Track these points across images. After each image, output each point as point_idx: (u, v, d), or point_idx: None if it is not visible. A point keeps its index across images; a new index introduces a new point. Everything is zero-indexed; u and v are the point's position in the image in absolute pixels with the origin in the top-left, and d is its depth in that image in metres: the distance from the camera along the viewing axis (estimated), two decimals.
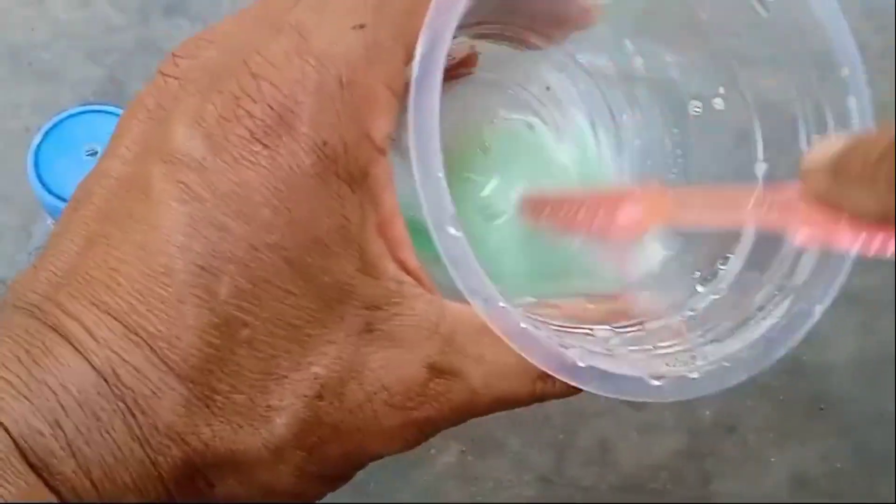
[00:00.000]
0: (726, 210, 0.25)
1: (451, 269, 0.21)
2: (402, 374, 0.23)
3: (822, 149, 0.22)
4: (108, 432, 0.20)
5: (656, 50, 0.31)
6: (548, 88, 0.32)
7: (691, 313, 0.26)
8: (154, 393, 0.20)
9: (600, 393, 0.22)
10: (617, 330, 0.26)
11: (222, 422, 0.21)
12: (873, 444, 0.50)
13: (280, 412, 0.22)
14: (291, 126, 0.21)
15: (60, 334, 0.20)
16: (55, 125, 0.41)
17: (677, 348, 0.24)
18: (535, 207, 0.30)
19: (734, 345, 0.24)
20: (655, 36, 0.31)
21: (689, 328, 0.26)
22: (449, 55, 0.29)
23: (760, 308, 0.25)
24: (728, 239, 0.27)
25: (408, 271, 0.23)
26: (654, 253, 0.28)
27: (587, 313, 0.27)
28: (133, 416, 0.20)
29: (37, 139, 0.40)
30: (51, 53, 0.52)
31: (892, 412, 0.50)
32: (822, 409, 0.50)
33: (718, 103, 0.30)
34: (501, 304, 0.22)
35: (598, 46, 0.31)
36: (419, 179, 0.21)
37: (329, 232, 0.21)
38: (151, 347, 0.20)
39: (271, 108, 0.21)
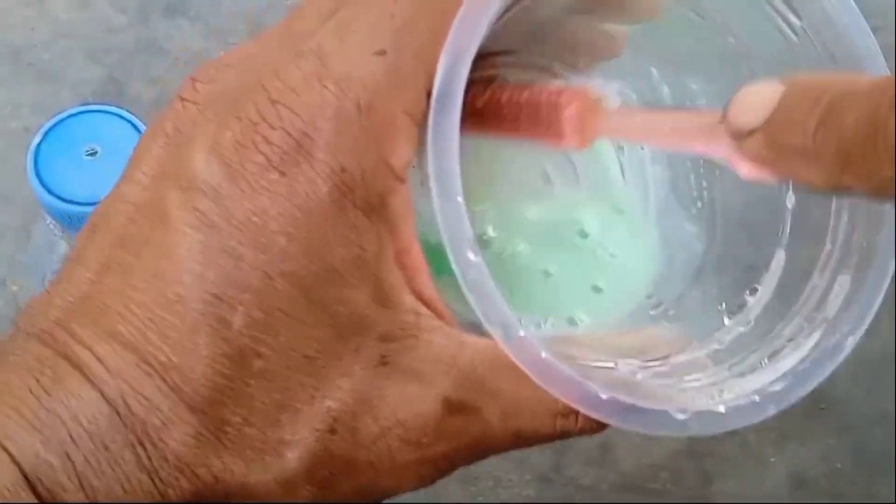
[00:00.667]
0: (663, 132, 0.24)
1: (468, 296, 0.21)
2: (418, 410, 0.22)
3: (751, 98, 0.20)
4: (117, 464, 0.20)
5: (683, 78, 0.30)
6: None
7: (718, 346, 0.25)
8: (165, 424, 0.20)
9: (624, 427, 0.22)
10: (641, 364, 0.25)
11: (233, 454, 0.21)
12: (873, 444, 0.50)
13: (292, 446, 0.21)
14: (309, 152, 0.21)
15: (72, 363, 0.20)
16: (55, 125, 0.41)
17: (704, 382, 0.24)
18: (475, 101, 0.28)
19: (763, 378, 0.23)
20: (682, 63, 0.30)
21: (716, 361, 0.25)
22: (474, 93, 0.29)
23: (790, 340, 0.24)
24: (755, 270, 0.27)
25: (425, 302, 0.23)
26: (609, 157, 0.27)
27: (610, 345, 0.27)
28: (143, 447, 0.20)
29: (36, 139, 0.40)
30: (51, 53, 0.52)
31: (892, 412, 0.50)
32: (822, 409, 0.50)
33: None
34: (521, 332, 0.21)
35: (624, 75, 0.31)
36: (437, 203, 0.21)
37: (344, 261, 0.21)
38: (163, 378, 0.20)
39: (289, 135, 0.21)
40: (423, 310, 0.22)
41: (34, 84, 0.52)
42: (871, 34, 0.26)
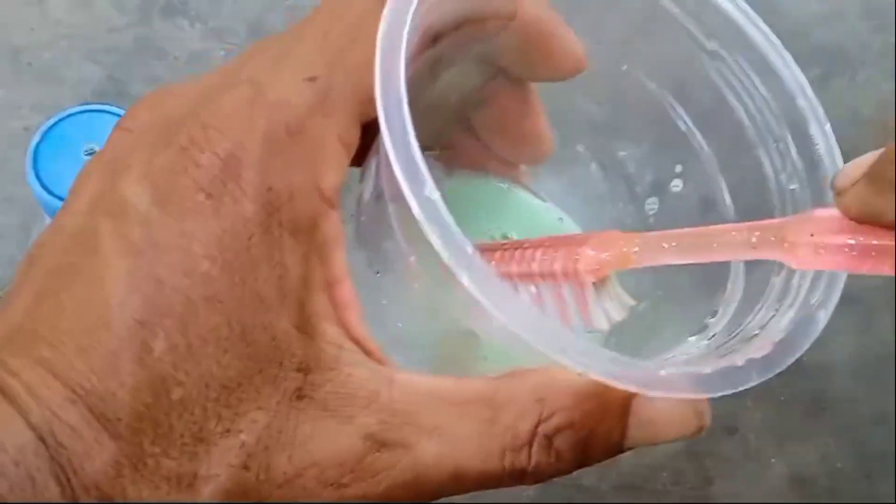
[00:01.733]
0: (696, 248, 0.24)
1: (426, 230, 0.20)
2: (335, 448, 0.21)
3: (852, 166, 0.21)
4: (41, 494, 0.19)
5: (609, 147, 0.30)
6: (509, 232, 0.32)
7: (686, 356, 0.25)
8: (87, 452, 0.20)
9: (695, 395, 0.21)
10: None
11: (150, 486, 0.20)
12: (873, 444, 0.50)
13: (207, 481, 0.20)
14: (237, 173, 0.21)
15: (2, 392, 0.20)
16: (54, 125, 0.41)
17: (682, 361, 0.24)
18: (484, 256, 0.28)
19: (742, 355, 0.23)
20: (605, 130, 0.30)
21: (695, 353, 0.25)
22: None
23: (762, 326, 0.24)
24: (713, 295, 0.26)
25: (354, 337, 0.22)
26: (621, 301, 0.27)
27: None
28: (66, 476, 0.20)
29: (36, 139, 0.40)
30: (50, 53, 0.52)
31: (892, 412, 0.50)
32: (822, 409, 0.50)
33: (676, 185, 0.29)
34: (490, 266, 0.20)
35: (554, 165, 0.31)
36: (391, 148, 0.20)
37: (266, 282, 0.21)
38: (88, 405, 0.20)
39: (217, 157, 0.21)
40: (348, 344, 0.22)
41: (34, 84, 0.52)
42: (791, 60, 0.26)
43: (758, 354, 0.22)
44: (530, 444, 0.22)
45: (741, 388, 0.22)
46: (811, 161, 0.25)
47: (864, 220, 0.21)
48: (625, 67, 0.28)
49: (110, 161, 0.22)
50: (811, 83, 0.26)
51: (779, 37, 0.26)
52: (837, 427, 0.50)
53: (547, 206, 0.32)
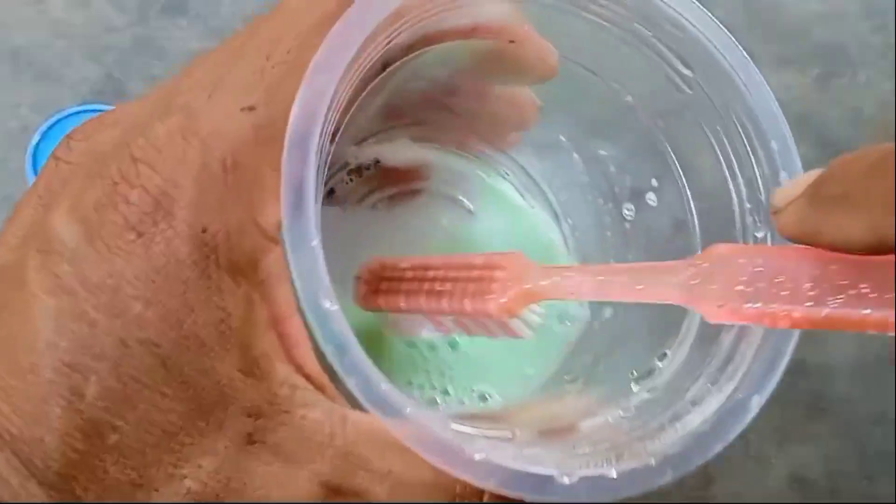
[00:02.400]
0: (601, 287, 0.23)
1: (323, 347, 0.19)
2: (290, 494, 0.20)
3: (790, 185, 0.20)
4: None
5: (591, 143, 0.30)
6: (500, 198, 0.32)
7: (623, 413, 0.25)
8: (14, 499, 0.19)
9: (503, 492, 0.20)
10: (541, 431, 0.24)
11: None
12: (873, 444, 0.50)
13: None
14: (169, 211, 0.20)
15: None
16: (54, 125, 0.41)
17: (601, 447, 0.23)
18: (370, 282, 0.27)
19: (663, 442, 0.22)
20: (588, 128, 0.30)
21: (619, 427, 0.24)
22: (393, 158, 0.28)
23: (694, 403, 0.23)
24: (667, 334, 0.26)
25: (307, 375, 0.21)
26: (539, 311, 0.26)
27: (514, 418, 0.25)
28: None
29: (35, 139, 0.40)
30: (49, 53, 0.52)
31: (892, 412, 0.50)
32: (822, 409, 0.50)
33: (651, 199, 0.29)
34: (384, 385, 0.19)
35: (538, 147, 0.31)
36: (289, 246, 0.19)
37: (206, 327, 0.20)
38: (13, 451, 0.19)
39: (148, 193, 0.20)
40: (301, 382, 0.21)
41: (33, 83, 0.52)
42: (764, 83, 0.25)
43: (674, 449, 0.21)
44: (481, 495, 0.21)
45: (651, 489, 0.21)
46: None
47: (801, 239, 0.20)
48: (598, 78, 0.28)
49: (45, 192, 0.22)
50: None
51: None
52: (837, 427, 0.50)
53: (527, 203, 0.32)
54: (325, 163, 0.22)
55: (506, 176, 0.32)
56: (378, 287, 0.26)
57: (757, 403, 0.23)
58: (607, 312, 0.30)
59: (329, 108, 0.20)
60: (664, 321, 0.26)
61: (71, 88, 0.52)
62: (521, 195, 0.32)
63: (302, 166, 0.20)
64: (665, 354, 0.26)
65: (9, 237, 0.21)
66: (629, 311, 0.29)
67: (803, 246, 0.20)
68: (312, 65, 0.20)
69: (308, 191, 0.19)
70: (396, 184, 0.31)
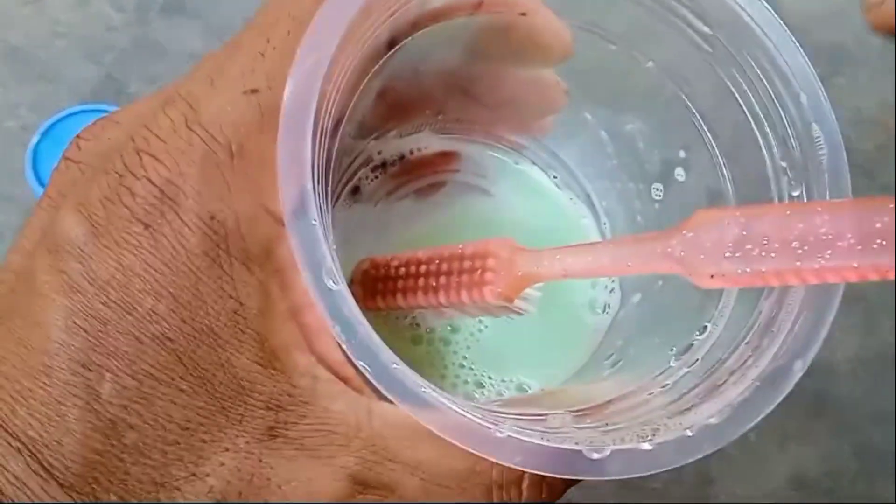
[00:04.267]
0: (592, 265, 0.23)
1: (330, 325, 0.18)
2: (316, 489, 0.20)
3: None
4: None
5: (617, 119, 0.29)
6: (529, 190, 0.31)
7: (661, 389, 0.24)
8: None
9: (530, 470, 0.19)
10: (574, 413, 0.23)
11: None
12: (873, 444, 0.50)
13: None
14: (175, 201, 0.19)
15: None
16: (53, 124, 0.41)
17: (634, 423, 0.22)
18: (365, 284, 0.26)
19: (700, 414, 0.21)
20: (612, 102, 0.29)
21: (654, 402, 0.23)
22: (418, 152, 0.27)
23: (732, 372, 0.22)
24: (707, 307, 0.25)
25: (329, 366, 0.20)
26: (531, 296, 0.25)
27: (549, 402, 0.25)
28: None
29: (35, 138, 0.40)
30: (49, 53, 0.52)
31: (892, 412, 0.50)
32: (822, 409, 0.50)
33: (679, 174, 0.28)
34: (395, 365, 0.18)
35: (565, 129, 0.30)
36: (289, 226, 0.18)
37: (219, 318, 0.19)
38: (32, 453, 0.19)
39: (153, 184, 0.19)
40: (323, 374, 0.20)
41: (32, 83, 0.51)
42: (785, 29, 0.24)
43: (713, 419, 0.20)
44: (520, 480, 0.21)
45: (690, 461, 0.20)
46: (816, 164, 0.23)
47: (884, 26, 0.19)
48: (616, 47, 0.27)
49: (55, 195, 0.21)
50: (772, 116, 0.25)
51: None
52: (837, 427, 0.50)
53: (560, 189, 0.31)
54: (331, 151, 0.21)
55: (536, 162, 0.31)
56: (374, 288, 0.26)
57: (800, 368, 0.21)
58: (637, 297, 0.29)
59: (326, 82, 0.19)
60: (702, 294, 0.24)
61: (70, 88, 0.51)
62: (553, 181, 0.31)
63: (298, 143, 0.19)
64: (705, 327, 0.25)
65: (23, 242, 0.21)
66: (662, 291, 0.28)
67: (786, 203, 0.21)
68: (305, 39, 0.20)
69: (305, 168, 0.19)
70: (423, 176, 0.30)
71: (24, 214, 0.49)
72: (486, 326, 0.28)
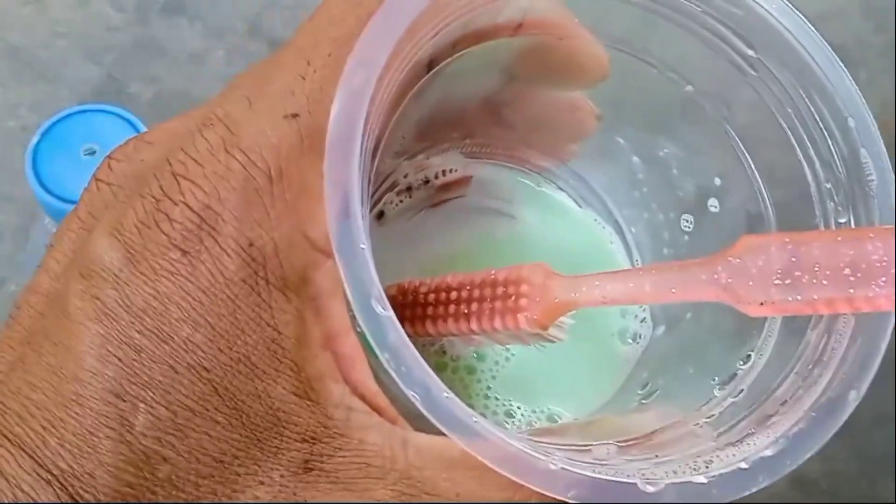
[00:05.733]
0: (631, 292, 0.22)
1: (378, 352, 0.18)
2: None
3: None
4: None
5: (650, 143, 0.28)
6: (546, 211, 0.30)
7: (707, 420, 0.23)
8: None
9: (582, 503, 0.19)
10: (619, 444, 0.22)
11: None
12: (873, 444, 0.50)
13: None
14: (213, 227, 0.19)
15: None
16: (53, 125, 0.40)
17: (685, 454, 0.21)
18: (394, 304, 0.25)
19: (754, 445, 0.21)
20: (646, 126, 0.28)
21: (702, 434, 0.22)
22: (443, 176, 0.26)
23: (783, 403, 0.22)
24: (748, 336, 0.24)
25: (363, 396, 0.20)
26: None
27: (588, 433, 0.24)
28: None
29: (35, 139, 0.40)
30: (49, 53, 0.52)
31: (892, 413, 0.50)
32: None
33: (713, 205, 0.27)
34: (446, 394, 0.18)
35: (594, 153, 0.29)
36: (337, 251, 0.18)
37: (257, 348, 0.19)
38: (63, 486, 0.18)
39: (191, 210, 0.19)
40: (358, 404, 0.20)
41: (32, 83, 0.51)
42: (833, 55, 0.23)
43: (768, 451, 0.20)
44: None
45: (745, 494, 0.20)
46: (864, 190, 0.23)
47: None
48: (655, 70, 0.26)
49: (86, 217, 0.21)
50: (816, 140, 0.24)
51: None
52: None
53: (587, 215, 0.30)
54: (370, 173, 0.21)
55: (562, 187, 0.30)
56: (402, 314, 0.25)
57: (854, 398, 0.21)
58: (667, 326, 0.28)
59: (371, 104, 0.19)
60: (743, 321, 0.23)
61: (70, 88, 0.51)
62: (578, 205, 0.30)
63: (346, 165, 0.18)
64: (748, 356, 0.24)
65: (52, 264, 0.21)
66: (698, 318, 0.27)
67: (833, 229, 0.20)
68: (351, 59, 0.19)
69: (353, 192, 0.18)
70: (440, 195, 0.29)
71: (24, 215, 0.49)
72: (514, 354, 0.27)
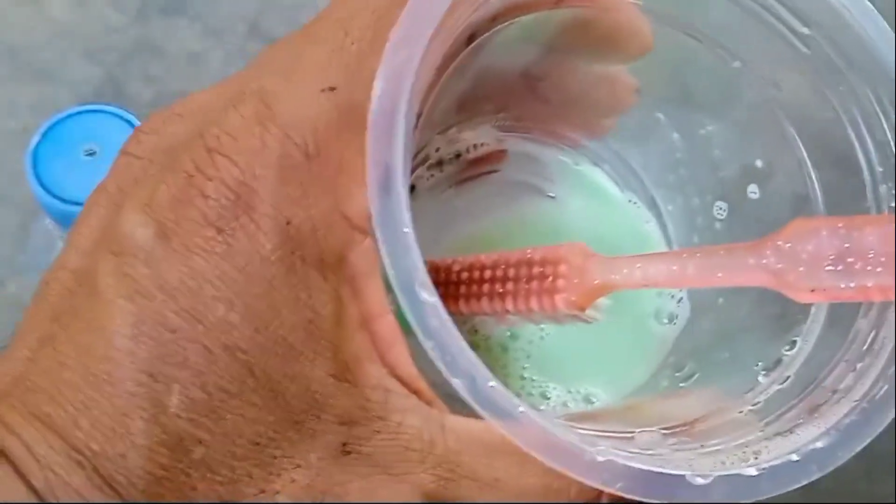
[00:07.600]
0: (674, 276, 0.21)
1: (424, 343, 0.17)
2: None
3: None
4: None
5: (691, 119, 0.27)
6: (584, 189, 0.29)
7: (752, 407, 0.22)
8: None
9: (631, 496, 0.18)
10: (663, 431, 0.22)
11: None
12: (873, 444, 0.50)
13: None
14: (249, 204, 0.18)
15: (0, 452, 0.18)
16: (53, 125, 0.40)
17: (732, 444, 0.21)
18: (450, 292, 0.25)
19: (803, 436, 0.20)
20: (687, 102, 0.27)
21: (749, 422, 0.22)
22: (474, 150, 0.26)
23: (834, 392, 0.21)
24: (793, 321, 0.23)
25: (400, 377, 0.19)
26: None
27: (628, 418, 0.24)
28: None
29: (35, 139, 0.40)
30: (49, 53, 0.52)
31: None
32: None
33: (753, 191, 0.26)
34: (492, 383, 0.18)
35: (633, 129, 0.28)
36: (379, 234, 0.17)
37: (294, 328, 0.18)
38: (95, 467, 0.18)
39: (226, 186, 0.18)
40: (396, 386, 0.19)
41: (32, 84, 0.51)
42: (890, 31, 0.22)
43: (819, 443, 0.20)
44: (597, 498, 0.20)
45: (796, 487, 0.19)
46: None
47: None
48: (701, 44, 0.25)
49: (114, 191, 0.20)
50: (872, 121, 0.23)
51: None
52: None
53: (623, 193, 0.30)
54: (411, 149, 0.20)
55: (597, 163, 0.30)
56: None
57: None
58: (705, 308, 0.28)
59: (414, 81, 0.18)
60: (787, 306, 0.22)
61: (70, 89, 0.51)
62: (615, 183, 0.30)
63: (388, 145, 0.18)
64: (794, 342, 0.23)
65: (80, 240, 0.20)
66: (737, 300, 0.26)
67: (885, 214, 0.19)
68: (394, 35, 0.18)
69: (396, 171, 0.18)
70: (471, 169, 0.29)
71: (24, 215, 0.49)
72: (548, 333, 0.27)
